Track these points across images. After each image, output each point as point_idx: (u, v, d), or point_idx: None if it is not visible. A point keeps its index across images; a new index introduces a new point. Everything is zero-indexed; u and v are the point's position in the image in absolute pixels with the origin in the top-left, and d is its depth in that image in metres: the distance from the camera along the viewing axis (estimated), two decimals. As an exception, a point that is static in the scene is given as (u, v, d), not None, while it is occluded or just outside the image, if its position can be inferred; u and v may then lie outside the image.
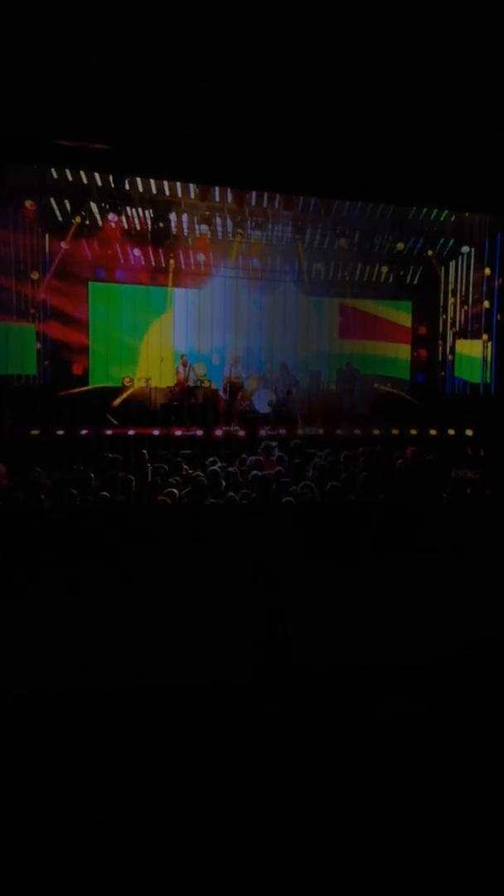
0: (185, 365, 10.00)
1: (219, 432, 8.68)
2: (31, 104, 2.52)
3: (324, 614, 3.07)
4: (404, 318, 11.75)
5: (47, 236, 9.55)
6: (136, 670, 2.72)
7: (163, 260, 10.34)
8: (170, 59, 2.29)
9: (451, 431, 9.41)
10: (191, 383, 9.87)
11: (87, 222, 9.72)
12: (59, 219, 9.54)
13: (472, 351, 10.44)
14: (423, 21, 2.20)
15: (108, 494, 5.72)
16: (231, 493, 5.92)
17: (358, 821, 2.10)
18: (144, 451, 7.35)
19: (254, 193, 9.48)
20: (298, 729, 2.54)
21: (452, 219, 10.33)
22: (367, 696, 2.73)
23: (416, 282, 11.47)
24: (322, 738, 2.49)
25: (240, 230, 10.35)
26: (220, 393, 9.82)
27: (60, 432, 8.12)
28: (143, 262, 10.25)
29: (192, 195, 9.63)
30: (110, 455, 7.28)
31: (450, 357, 11.18)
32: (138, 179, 9.00)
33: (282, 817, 2.08)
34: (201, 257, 10.49)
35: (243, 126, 2.77)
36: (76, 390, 9.48)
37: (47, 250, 9.56)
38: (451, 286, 11.10)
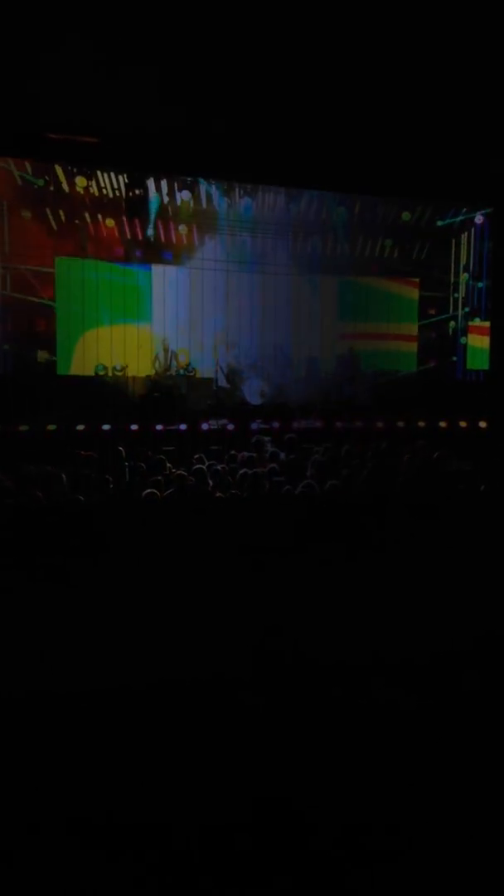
0: (166, 351, 10.15)
1: (205, 426, 8.89)
2: (25, 101, 2.72)
3: (320, 611, 3.36)
4: (411, 297, 11.97)
5: (5, 203, 9.61)
6: (131, 668, 2.99)
7: (140, 232, 10.42)
8: (168, 56, 2.52)
9: (464, 424, 9.71)
10: (173, 372, 10.04)
11: (53, 188, 9.75)
12: (20, 184, 9.57)
13: (484, 333, 10.70)
14: (422, 22, 2.45)
15: (82, 498, 5.93)
16: (219, 494, 6.18)
17: (358, 819, 2.38)
18: (122, 449, 7.57)
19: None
20: (295, 724, 2.81)
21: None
22: (365, 692, 3.02)
23: (423, 256, 11.71)
24: (320, 734, 2.77)
25: (227, 199, 10.49)
26: (223, 381, 9.98)
27: (24, 428, 8.31)
28: (117, 235, 10.28)
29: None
30: (83, 453, 7.48)
31: (462, 340, 11.45)
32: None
33: (277, 811, 2.36)
34: (183, 229, 10.61)
35: (242, 119, 3.00)
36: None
37: (6, 220, 9.64)
38: (462, 261, 11.34)
